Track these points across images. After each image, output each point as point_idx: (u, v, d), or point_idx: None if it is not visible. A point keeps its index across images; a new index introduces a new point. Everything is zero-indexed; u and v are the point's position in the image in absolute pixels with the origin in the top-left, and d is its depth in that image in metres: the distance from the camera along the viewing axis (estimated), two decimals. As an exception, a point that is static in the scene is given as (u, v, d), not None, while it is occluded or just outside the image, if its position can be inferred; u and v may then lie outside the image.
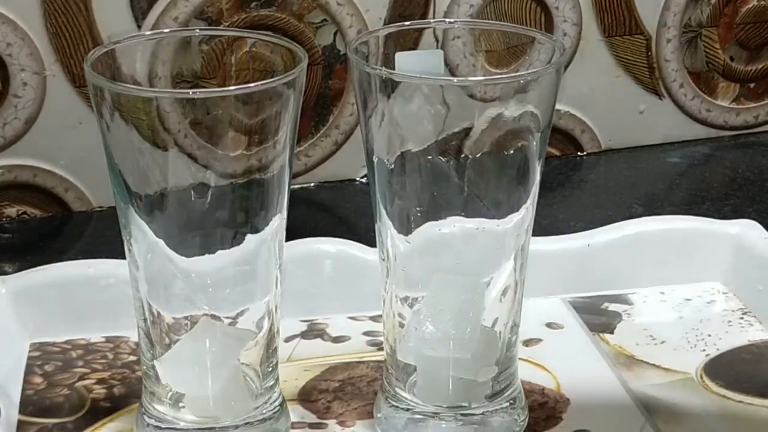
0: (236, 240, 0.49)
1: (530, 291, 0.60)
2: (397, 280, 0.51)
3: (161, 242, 0.48)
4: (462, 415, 0.52)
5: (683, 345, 0.60)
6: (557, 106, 0.66)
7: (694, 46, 0.84)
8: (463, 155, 0.50)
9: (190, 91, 0.46)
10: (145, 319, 0.50)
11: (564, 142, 0.83)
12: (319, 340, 0.60)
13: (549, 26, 0.79)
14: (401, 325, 0.52)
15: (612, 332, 0.61)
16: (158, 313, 0.50)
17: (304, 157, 0.78)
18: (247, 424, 0.51)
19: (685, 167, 0.83)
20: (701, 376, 0.58)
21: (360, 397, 0.56)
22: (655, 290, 0.64)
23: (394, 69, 0.50)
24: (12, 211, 0.74)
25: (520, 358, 0.54)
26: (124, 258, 0.50)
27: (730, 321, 0.62)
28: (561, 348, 0.60)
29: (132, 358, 0.58)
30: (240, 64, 0.55)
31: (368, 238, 0.58)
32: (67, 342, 0.59)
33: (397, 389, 0.53)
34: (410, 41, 0.52)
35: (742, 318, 0.62)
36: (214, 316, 0.50)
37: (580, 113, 0.83)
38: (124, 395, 0.56)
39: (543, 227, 0.65)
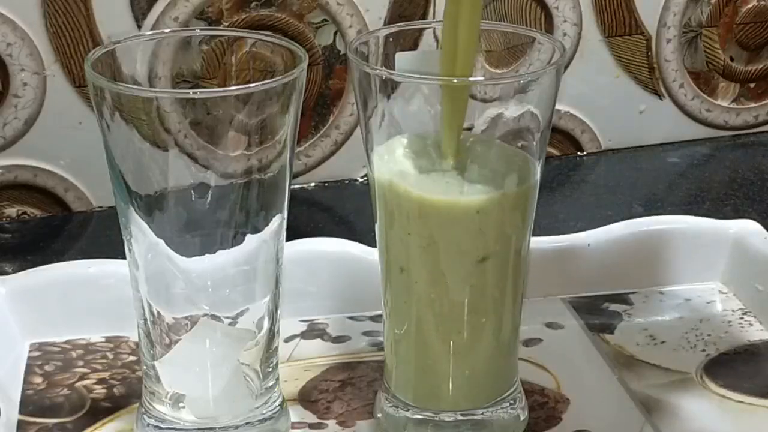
0: (236, 240, 0.49)
1: (530, 291, 0.60)
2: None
3: (161, 242, 0.48)
4: (462, 414, 0.52)
5: (683, 345, 0.60)
6: (557, 106, 0.66)
7: (694, 46, 0.84)
8: (463, 155, 0.50)
9: (191, 91, 0.46)
10: (145, 319, 0.50)
11: (564, 142, 0.83)
12: (319, 340, 0.60)
13: (549, 26, 0.79)
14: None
15: (612, 332, 0.61)
16: (158, 313, 0.50)
17: (304, 157, 0.78)
18: (247, 424, 0.51)
19: (685, 167, 0.83)
20: (701, 376, 0.58)
21: (360, 397, 0.56)
22: (655, 290, 0.64)
23: (394, 69, 0.50)
24: (12, 211, 0.74)
25: (520, 358, 0.54)
26: (124, 258, 0.50)
27: (730, 321, 0.62)
28: (561, 348, 0.60)
29: (132, 358, 0.58)
30: (240, 64, 0.55)
31: (368, 238, 0.58)
32: (67, 342, 0.59)
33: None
34: (410, 41, 0.52)
35: (742, 318, 0.62)
36: (214, 316, 0.50)
37: (580, 113, 0.83)
38: (124, 395, 0.56)
39: (543, 227, 0.65)
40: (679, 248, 0.64)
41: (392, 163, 0.49)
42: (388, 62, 0.51)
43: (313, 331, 0.61)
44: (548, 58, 0.50)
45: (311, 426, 0.54)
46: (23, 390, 0.56)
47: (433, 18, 0.76)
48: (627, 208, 0.76)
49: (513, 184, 0.48)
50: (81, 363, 0.58)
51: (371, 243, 0.57)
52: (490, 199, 0.48)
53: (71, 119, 0.72)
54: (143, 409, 0.52)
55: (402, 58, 0.50)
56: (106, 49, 0.49)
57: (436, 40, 0.53)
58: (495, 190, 0.48)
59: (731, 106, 0.86)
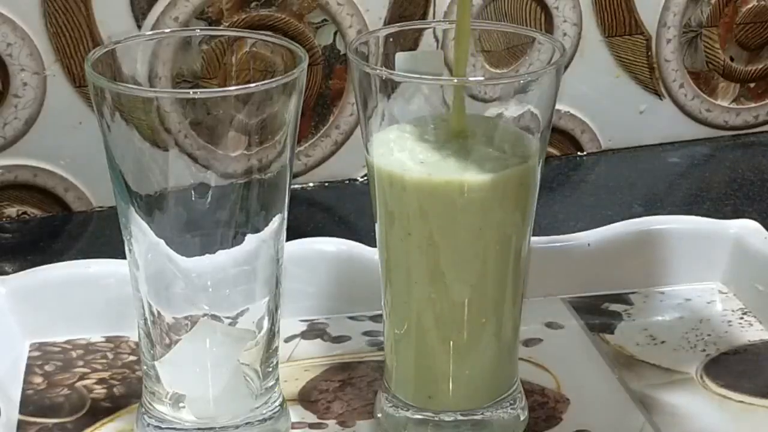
0: (236, 240, 0.49)
1: (530, 291, 0.60)
2: (397, 280, 0.51)
3: (161, 242, 0.48)
4: (462, 414, 0.52)
5: (683, 345, 0.60)
6: (557, 106, 0.66)
7: (694, 46, 0.84)
8: (463, 155, 0.50)
9: (191, 91, 0.46)
10: (145, 319, 0.50)
11: (564, 142, 0.83)
12: (319, 340, 0.60)
13: (549, 26, 0.79)
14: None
15: (612, 332, 0.61)
16: (158, 313, 0.50)
17: (304, 157, 0.78)
18: (247, 424, 0.51)
19: (685, 167, 0.83)
20: (701, 376, 0.58)
21: (360, 397, 0.56)
22: (655, 290, 0.64)
23: (394, 69, 0.50)
24: (12, 211, 0.74)
25: (520, 358, 0.54)
26: (124, 258, 0.50)
27: (730, 321, 0.62)
28: (561, 348, 0.60)
29: (132, 358, 0.58)
30: (240, 64, 0.55)
31: (368, 238, 0.58)
32: (67, 342, 0.59)
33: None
34: (410, 41, 0.52)
35: (742, 318, 0.62)
36: (214, 316, 0.50)
37: (580, 113, 0.83)
38: (124, 395, 0.56)
39: (543, 227, 0.65)
40: (679, 248, 0.64)
41: (391, 157, 0.49)
42: (388, 62, 0.51)
43: (313, 331, 0.61)
44: (548, 58, 0.50)
45: (311, 426, 0.54)
46: (23, 390, 0.56)
47: (433, 18, 0.76)
48: (627, 208, 0.76)
49: (514, 176, 0.48)
50: (81, 363, 0.58)
51: (371, 243, 0.57)
52: (490, 190, 0.48)
53: (71, 119, 0.72)
54: (143, 409, 0.52)
55: (402, 58, 0.50)
56: (106, 49, 0.49)
57: (436, 40, 0.53)
58: (495, 182, 0.48)
59: (731, 106, 0.86)
